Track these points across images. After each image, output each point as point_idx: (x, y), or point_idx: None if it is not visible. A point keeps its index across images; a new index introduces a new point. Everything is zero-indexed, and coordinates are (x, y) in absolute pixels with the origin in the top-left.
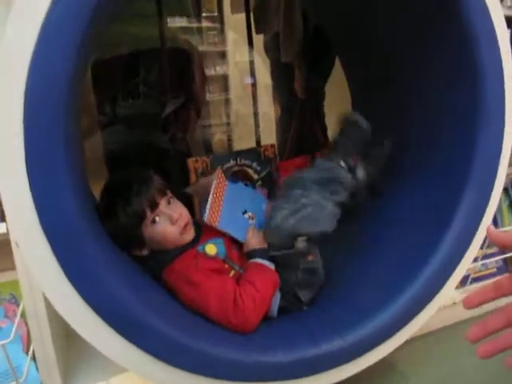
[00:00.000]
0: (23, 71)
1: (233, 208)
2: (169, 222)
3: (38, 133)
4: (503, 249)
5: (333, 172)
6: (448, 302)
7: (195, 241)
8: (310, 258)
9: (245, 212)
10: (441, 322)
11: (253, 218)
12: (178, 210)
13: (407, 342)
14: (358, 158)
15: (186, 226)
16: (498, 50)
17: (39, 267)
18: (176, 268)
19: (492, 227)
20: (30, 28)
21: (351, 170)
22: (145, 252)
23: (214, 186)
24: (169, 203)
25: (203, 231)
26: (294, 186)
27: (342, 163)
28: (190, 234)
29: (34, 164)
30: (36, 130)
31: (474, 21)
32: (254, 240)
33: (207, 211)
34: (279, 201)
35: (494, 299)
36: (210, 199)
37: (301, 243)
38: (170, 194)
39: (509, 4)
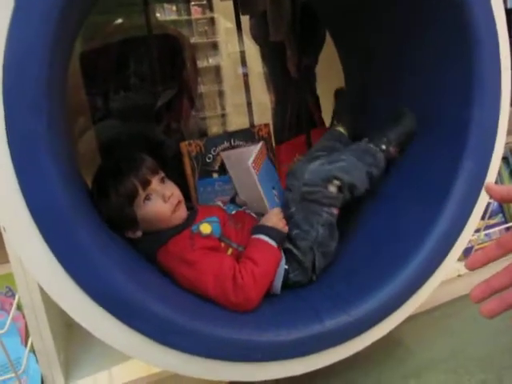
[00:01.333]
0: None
1: (266, 179)
2: (161, 199)
3: (18, 111)
4: (502, 201)
5: (370, 149)
6: (452, 275)
7: (189, 222)
8: (335, 211)
9: (273, 188)
10: (446, 296)
11: (278, 198)
12: (170, 189)
13: (413, 317)
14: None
15: (178, 204)
16: (493, 17)
17: (28, 253)
18: (171, 249)
19: (491, 183)
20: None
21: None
22: (138, 234)
23: (258, 148)
24: (161, 182)
25: (197, 214)
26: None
27: (383, 147)
28: (182, 213)
29: (17, 145)
30: (16, 108)
31: None
32: (276, 219)
33: (253, 157)
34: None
35: (498, 258)
36: (256, 152)
37: (334, 187)
38: (162, 174)
39: None
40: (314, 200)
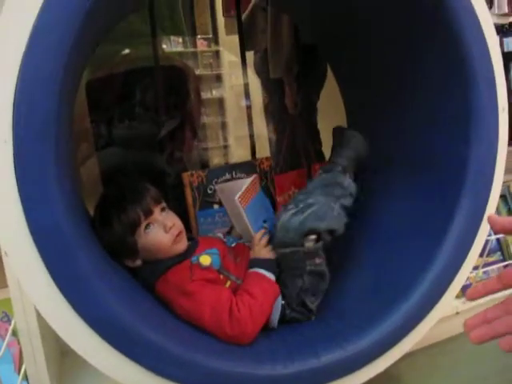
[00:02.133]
0: (12, 76)
1: (257, 213)
2: (162, 229)
3: (27, 140)
4: (504, 233)
5: (336, 177)
6: (450, 312)
7: (190, 253)
8: (318, 260)
9: (264, 221)
10: (444, 333)
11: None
12: (172, 219)
13: (411, 354)
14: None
15: (178, 234)
16: (489, 56)
17: (29, 278)
18: (170, 279)
19: (493, 215)
20: (19, 31)
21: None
22: (138, 262)
23: (250, 181)
24: (163, 212)
25: (198, 245)
26: (298, 196)
27: (342, 169)
28: (182, 244)
29: (24, 172)
30: (25, 136)
31: (466, 30)
32: (260, 248)
33: (241, 191)
34: (284, 206)
35: (497, 291)
36: (245, 186)
37: (310, 242)
38: (164, 204)
39: (496, 12)
40: (294, 260)
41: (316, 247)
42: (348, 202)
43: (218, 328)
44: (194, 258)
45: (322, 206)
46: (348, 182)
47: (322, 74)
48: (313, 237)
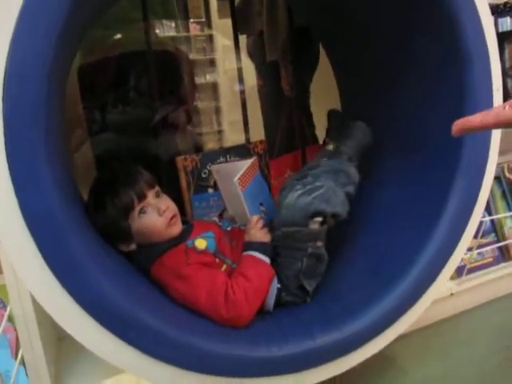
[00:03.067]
0: (1, 59)
1: (254, 196)
2: (156, 213)
3: (17, 124)
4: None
5: (342, 165)
6: (445, 294)
7: (184, 236)
8: (319, 243)
9: (261, 204)
10: (439, 315)
11: (266, 214)
12: (166, 203)
13: (406, 336)
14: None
15: (172, 217)
16: (484, 36)
17: (22, 263)
18: (165, 262)
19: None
20: (7, 13)
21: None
22: (132, 247)
23: (250, 164)
24: (157, 196)
25: (193, 228)
26: (305, 176)
27: (348, 159)
28: (176, 227)
29: (14, 156)
30: (16, 121)
31: (460, 10)
32: (256, 231)
33: (241, 173)
34: (289, 185)
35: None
36: (245, 168)
37: (315, 224)
38: (157, 188)
39: None
40: (296, 239)
41: (320, 230)
42: (352, 190)
43: (214, 311)
44: (189, 242)
45: (329, 190)
46: (353, 171)
47: (314, 57)
48: (319, 219)
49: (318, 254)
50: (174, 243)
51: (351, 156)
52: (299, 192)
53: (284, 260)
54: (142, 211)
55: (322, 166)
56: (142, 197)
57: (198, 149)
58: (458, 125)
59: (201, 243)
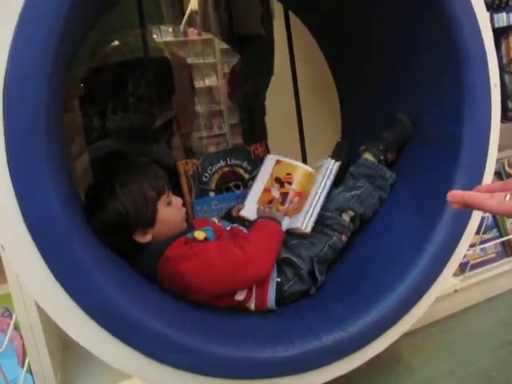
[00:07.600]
0: (1, 67)
1: None
2: (177, 207)
3: (18, 131)
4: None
5: (379, 169)
6: (449, 290)
7: (186, 233)
8: (344, 238)
9: None
10: (443, 311)
11: None
12: (180, 200)
13: (410, 333)
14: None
15: (184, 214)
16: (481, 35)
17: (26, 270)
18: (169, 256)
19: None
20: (5, 22)
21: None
22: (148, 237)
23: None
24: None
25: (194, 226)
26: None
27: (383, 157)
28: (185, 224)
29: (16, 164)
30: (16, 124)
31: (456, 7)
32: (265, 209)
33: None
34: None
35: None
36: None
37: (347, 216)
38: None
39: None
40: (328, 225)
41: (349, 225)
42: (384, 195)
43: (232, 268)
44: (188, 234)
45: (366, 191)
46: (389, 173)
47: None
48: (351, 213)
49: (336, 247)
50: (174, 238)
51: (392, 145)
52: (340, 189)
53: (307, 241)
54: (169, 203)
55: (360, 170)
56: (168, 188)
57: (198, 153)
58: (457, 198)
59: (200, 234)
